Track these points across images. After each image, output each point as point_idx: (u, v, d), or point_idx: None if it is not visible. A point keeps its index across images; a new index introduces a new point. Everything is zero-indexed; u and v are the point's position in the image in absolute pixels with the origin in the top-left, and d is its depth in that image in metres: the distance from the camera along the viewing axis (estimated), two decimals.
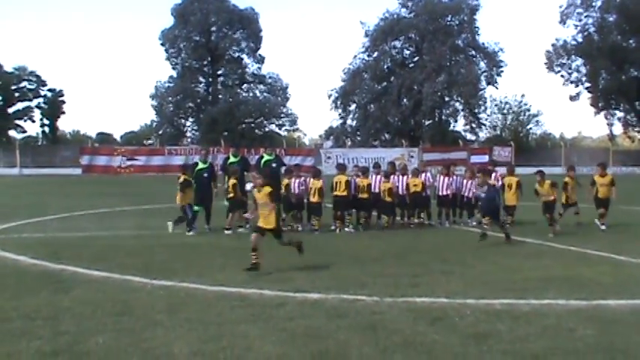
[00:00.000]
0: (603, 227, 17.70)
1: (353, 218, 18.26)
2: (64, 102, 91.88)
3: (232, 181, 17.39)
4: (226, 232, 17.11)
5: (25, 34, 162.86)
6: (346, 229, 17.72)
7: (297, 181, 18.03)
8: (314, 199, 17.75)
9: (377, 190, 18.34)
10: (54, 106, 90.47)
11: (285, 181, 17.96)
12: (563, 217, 18.27)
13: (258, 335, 7.35)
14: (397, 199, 18.56)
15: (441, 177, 19.52)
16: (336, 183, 17.91)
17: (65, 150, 69.94)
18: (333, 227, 17.75)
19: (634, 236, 16.07)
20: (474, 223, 19.06)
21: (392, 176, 18.74)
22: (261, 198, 11.92)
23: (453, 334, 7.41)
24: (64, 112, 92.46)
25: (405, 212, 19.15)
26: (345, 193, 17.74)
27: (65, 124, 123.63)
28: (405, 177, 19.14)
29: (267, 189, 12.00)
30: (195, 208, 17.69)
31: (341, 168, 18.81)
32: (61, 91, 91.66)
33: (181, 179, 17.45)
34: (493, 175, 20.20)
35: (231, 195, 17.28)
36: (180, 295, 9.42)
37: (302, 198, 17.95)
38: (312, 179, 18.07)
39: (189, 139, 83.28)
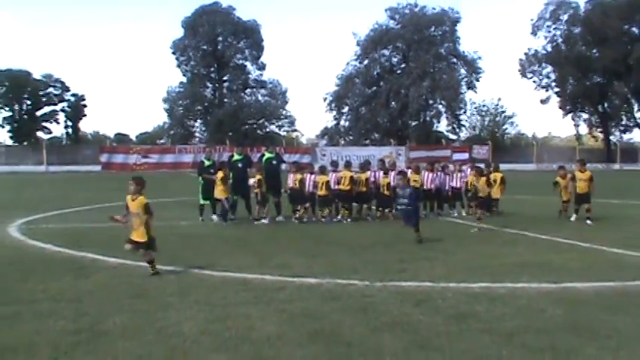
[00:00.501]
0: (589, 222, 16.55)
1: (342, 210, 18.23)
2: (85, 106, 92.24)
3: (258, 176, 17.46)
4: (256, 222, 17.15)
5: (51, 44, 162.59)
6: (344, 220, 17.65)
7: (311, 176, 17.98)
8: (322, 192, 17.68)
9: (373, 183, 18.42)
10: (76, 110, 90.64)
11: (299, 176, 17.77)
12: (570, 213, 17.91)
13: (259, 316, 7.35)
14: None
15: (426, 173, 19.50)
16: (341, 178, 17.89)
17: (86, 149, 69.87)
18: (323, 219, 17.67)
19: (598, 226, 16.06)
20: (455, 214, 19.12)
21: (389, 172, 18.70)
22: (134, 208, 10.19)
23: (436, 315, 7.41)
24: (85, 115, 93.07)
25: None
26: (348, 188, 17.74)
27: (86, 126, 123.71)
28: (394, 172, 19.10)
29: (142, 200, 10.19)
30: (202, 201, 17.67)
31: (347, 165, 18.68)
32: (83, 96, 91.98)
33: (221, 175, 17.32)
34: (459, 174, 20.15)
35: (258, 190, 17.33)
36: (189, 280, 9.41)
37: (311, 192, 17.89)
38: (319, 174, 17.99)
39: (197, 139, 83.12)
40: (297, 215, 17.51)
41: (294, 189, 17.72)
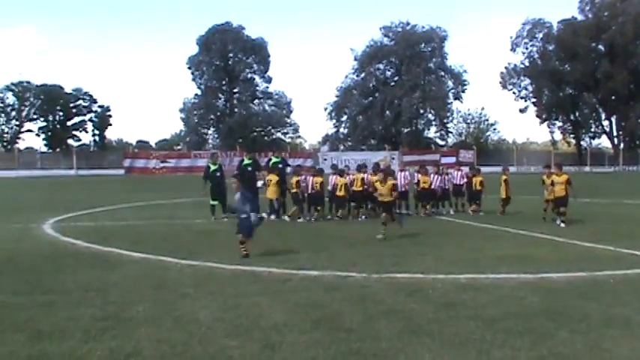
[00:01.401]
0: (562, 225, 15.44)
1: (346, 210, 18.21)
2: (111, 116, 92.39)
3: (295, 178, 17.59)
4: (298, 220, 17.25)
5: (81, 61, 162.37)
6: (360, 217, 17.82)
7: (334, 177, 18.06)
8: (340, 193, 17.74)
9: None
10: (103, 120, 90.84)
11: (319, 179, 17.83)
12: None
13: (268, 305, 7.36)
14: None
15: (434, 175, 19.43)
16: (354, 180, 17.95)
17: (111, 155, 69.93)
18: (309, 218, 17.61)
19: (571, 222, 16.02)
20: (444, 212, 19.11)
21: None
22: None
23: (427, 304, 7.43)
24: (110, 124, 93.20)
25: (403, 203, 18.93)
26: (361, 189, 17.77)
27: (112, 134, 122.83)
28: (403, 172, 19.33)
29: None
30: (212, 202, 17.64)
31: (359, 168, 18.76)
32: (108, 107, 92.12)
33: (275, 178, 17.49)
34: (458, 173, 20.20)
35: (295, 190, 17.42)
36: (203, 273, 9.42)
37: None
38: (337, 177, 17.98)
39: (210, 145, 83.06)
40: (316, 216, 17.63)
41: (315, 191, 17.67)
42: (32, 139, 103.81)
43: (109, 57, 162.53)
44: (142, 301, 7.51)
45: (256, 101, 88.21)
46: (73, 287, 8.32)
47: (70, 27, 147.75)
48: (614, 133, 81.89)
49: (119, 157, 63.20)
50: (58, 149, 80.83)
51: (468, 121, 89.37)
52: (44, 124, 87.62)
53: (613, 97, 77.23)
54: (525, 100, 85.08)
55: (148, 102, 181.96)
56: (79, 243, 12.53)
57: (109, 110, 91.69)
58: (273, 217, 17.52)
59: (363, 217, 17.82)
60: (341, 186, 17.71)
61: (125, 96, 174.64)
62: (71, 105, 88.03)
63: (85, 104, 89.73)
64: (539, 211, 17.17)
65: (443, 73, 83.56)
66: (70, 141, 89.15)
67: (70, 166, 60.05)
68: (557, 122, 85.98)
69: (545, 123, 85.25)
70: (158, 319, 6.76)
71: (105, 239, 12.98)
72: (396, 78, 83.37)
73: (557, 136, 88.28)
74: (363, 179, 17.94)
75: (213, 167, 18.20)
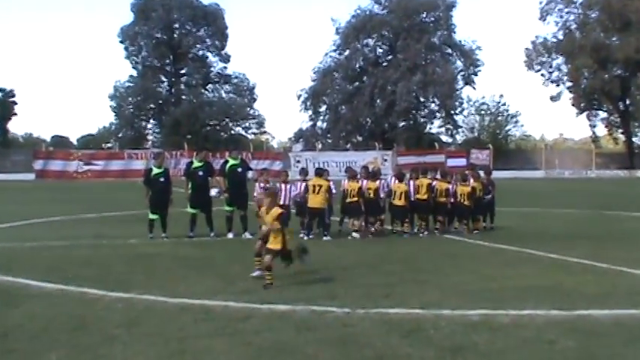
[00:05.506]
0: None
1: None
2: (15, 103, 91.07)
3: (356, 185, 17.88)
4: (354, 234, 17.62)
5: None
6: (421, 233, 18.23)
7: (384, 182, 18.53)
8: (399, 202, 18.08)
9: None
10: (4, 108, 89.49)
11: (373, 185, 18.17)
12: None
13: (222, 350, 7.31)
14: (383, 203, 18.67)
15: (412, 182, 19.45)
16: (419, 186, 18.49)
17: (17, 154, 69.40)
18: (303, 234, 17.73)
19: (617, 243, 16.16)
20: (452, 230, 19.15)
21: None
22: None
23: (427, 347, 7.43)
24: (15, 114, 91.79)
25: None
26: (355, 199, 18.00)
27: (17, 127, 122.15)
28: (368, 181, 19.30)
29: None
30: (151, 216, 17.50)
31: (372, 174, 19.05)
32: (12, 91, 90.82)
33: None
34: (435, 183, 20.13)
35: (355, 199, 17.71)
36: (139, 309, 9.32)
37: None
38: (348, 182, 18.28)
39: (150, 143, 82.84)
40: (374, 229, 17.99)
41: (369, 199, 17.95)
42: None
43: (11, 27, 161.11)
44: (56, 348, 7.40)
45: (210, 86, 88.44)
46: None
47: None
48: None
49: (28, 157, 62.68)
50: None
51: (482, 112, 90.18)
52: None
53: None
54: (558, 85, 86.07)
55: (67, 86, 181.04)
56: None
57: (13, 96, 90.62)
58: (231, 235, 17.61)
59: (354, 234, 17.86)
60: (401, 193, 18.09)
61: (35, 78, 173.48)
62: None
63: None
64: (575, 229, 17.34)
65: (450, 51, 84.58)
66: None
67: None
68: (600, 113, 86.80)
69: (585, 114, 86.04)
70: None
71: (6, 266, 12.77)
72: (389, 57, 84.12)
73: (600, 130, 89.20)
74: (360, 188, 18.12)
75: (156, 171, 18.05)
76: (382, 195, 18.40)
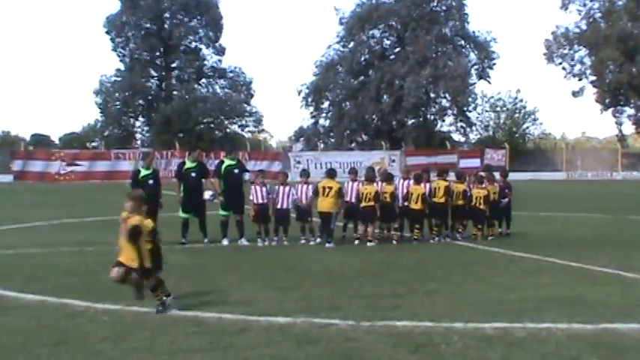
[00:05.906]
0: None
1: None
2: None
3: (372, 188, 17.84)
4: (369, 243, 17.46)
5: None
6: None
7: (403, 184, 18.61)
8: (416, 206, 18.05)
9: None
10: None
11: (390, 187, 18.15)
12: None
13: None
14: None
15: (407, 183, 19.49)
16: (436, 189, 18.42)
17: None
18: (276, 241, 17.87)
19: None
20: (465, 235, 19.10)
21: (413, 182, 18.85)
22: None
23: None
24: None
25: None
26: (371, 203, 17.90)
27: None
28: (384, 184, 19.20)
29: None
30: None
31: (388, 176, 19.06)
32: None
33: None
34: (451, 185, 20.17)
35: (370, 204, 17.56)
36: (126, 321, 9.33)
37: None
38: (384, 184, 18.27)
39: (139, 142, 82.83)
40: (394, 241, 17.92)
41: (385, 203, 17.87)
42: None
43: None
44: None
45: (203, 81, 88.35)
46: None
47: None
48: None
49: (5, 156, 62.62)
50: None
51: (498, 109, 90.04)
52: None
53: None
54: (580, 79, 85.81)
55: (48, 81, 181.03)
56: None
57: None
58: (226, 241, 17.66)
59: (356, 241, 17.87)
60: (418, 195, 18.02)
61: (13, 71, 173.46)
62: None
63: None
64: (599, 235, 17.33)
65: (463, 42, 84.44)
66: None
67: None
68: (626, 109, 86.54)
69: (610, 110, 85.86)
70: None
71: None
72: (397, 49, 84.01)
73: (627, 128, 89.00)
74: (377, 192, 18.03)
75: (144, 172, 18.04)
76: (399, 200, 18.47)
